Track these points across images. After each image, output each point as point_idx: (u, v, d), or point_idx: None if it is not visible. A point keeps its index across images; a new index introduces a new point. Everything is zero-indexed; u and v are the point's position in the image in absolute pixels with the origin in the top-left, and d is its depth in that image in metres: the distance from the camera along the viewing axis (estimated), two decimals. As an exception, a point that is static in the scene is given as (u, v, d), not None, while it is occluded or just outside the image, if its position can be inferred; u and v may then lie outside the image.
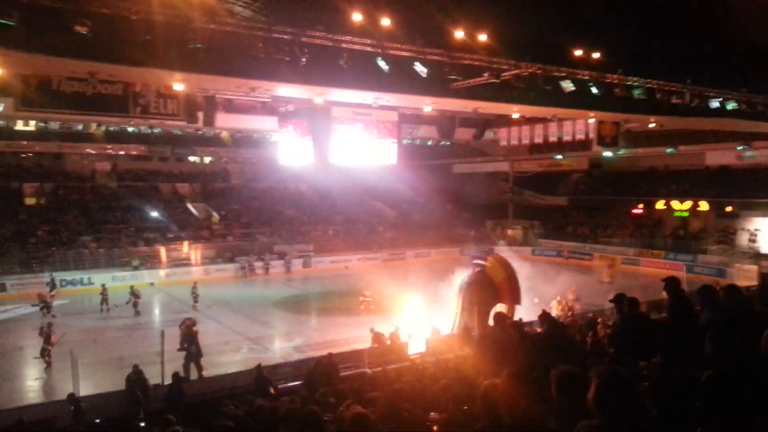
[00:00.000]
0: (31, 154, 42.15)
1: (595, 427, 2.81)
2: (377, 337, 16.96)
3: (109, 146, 41.86)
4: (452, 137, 30.51)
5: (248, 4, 23.79)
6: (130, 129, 37.75)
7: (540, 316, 7.38)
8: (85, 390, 13.85)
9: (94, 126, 36.26)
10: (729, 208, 37.78)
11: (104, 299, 25.90)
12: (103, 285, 27.50)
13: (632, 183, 45.06)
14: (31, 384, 16.83)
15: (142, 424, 7.92)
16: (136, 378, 12.70)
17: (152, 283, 32.30)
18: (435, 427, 4.93)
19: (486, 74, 19.27)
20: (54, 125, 34.68)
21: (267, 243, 39.87)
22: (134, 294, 25.20)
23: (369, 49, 17.54)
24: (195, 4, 14.92)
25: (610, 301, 7.44)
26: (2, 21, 13.19)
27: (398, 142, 24.92)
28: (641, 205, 42.52)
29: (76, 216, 37.92)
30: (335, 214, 47.08)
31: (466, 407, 4.99)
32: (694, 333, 5.22)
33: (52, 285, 28.04)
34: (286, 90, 20.83)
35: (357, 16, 16.84)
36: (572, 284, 24.52)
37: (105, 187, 42.97)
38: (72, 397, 11.39)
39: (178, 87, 19.36)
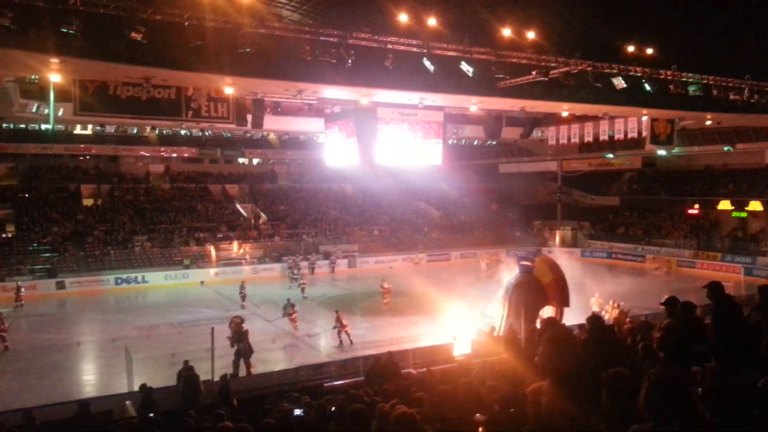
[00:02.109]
0: (88, 157, 43.88)
1: (646, 431, 2.74)
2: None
3: (162, 149, 43.22)
4: (499, 137, 30.18)
5: (296, 7, 24.16)
6: (182, 132, 38.85)
7: (588, 319, 7.21)
8: (138, 385, 14.31)
9: (147, 129, 37.45)
10: (791, 209, 36.12)
11: (17, 296, 27.32)
12: (17, 283, 28.29)
13: (687, 182, 43.59)
14: (88, 378, 17.49)
15: (193, 419, 8.12)
16: (187, 374, 13.02)
17: (202, 282, 33.14)
18: (480, 429, 4.88)
19: (534, 72, 19.00)
20: (110, 129, 35.91)
21: (312, 243, 40.34)
22: None
23: (415, 49, 17.53)
24: (244, 9, 15.24)
25: (661, 303, 7.23)
26: (63, 29, 13.79)
27: (444, 142, 24.79)
28: (697, 206, 41.05)
29: (131, 216, 39.26)
30: (380, 215, 47.24)
31: (512, 409, 4.93)
32: (743, 336, 5.03)
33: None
34: (332, 92, 21.06)
35: (403, 17, 16.87)
36: (623, 287, 23.92)
37: (158, 189, 44.34)
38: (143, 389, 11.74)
39: (228, 90, 19.83)
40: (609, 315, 18.03)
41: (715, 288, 5.92)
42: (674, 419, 2.69)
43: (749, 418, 3.12)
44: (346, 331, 20.02)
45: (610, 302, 20.18)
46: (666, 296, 7.19)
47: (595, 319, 6.72)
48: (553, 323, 8.20)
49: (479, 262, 36.53)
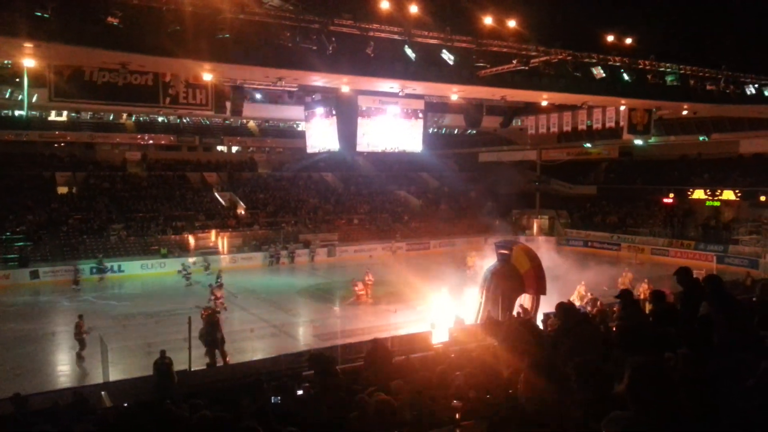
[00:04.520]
0: (63, 144, 43.06)
1: (628, 418, 2.77)
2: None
3: (139, 136, 42.60)
4: (479, 125, 30.24)
5: (275, -8, 23.84)
6: (159, 119, 38.36)
7: (557, 307, 7.32)
8: (114, 375, 14.20)
9: (124, 116, 36.94)
10: (763, 198, 36.88)
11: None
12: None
13: (663, 172, 44.24)
14: (63, 369, 17.30)
15: (171, 407, 8.05)
16: (164, 363, 12.94)
17: (180, 271, 32.81)
18: (458, 415, 4.94)
19: (514, 61, 19.03)
20: (86, 115, 35.43)
21: (292, 232, 40.18)
22: None
23: (396, 37, 17.44)
24: (223, -7, 14.99)
25: (616, 297, 7.42)
26: (36, 13, 13.46)
27: (424, 130, 24.80)
28: (672, 195, 41.76)
29: (107, 204, 38.69)
30: (360, 204, 47.21)
31: (488, 395, 4.98)
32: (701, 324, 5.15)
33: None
34: (313, 79, 20.88)
35: (384, 4, 16.73)
36: (603, 275, 24.27)
37: (135, 176, 43.72)
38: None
39: (207, 77, 19.55)
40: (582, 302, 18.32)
41: (683, 273, 6.04)
42: (655, 406, 2.72)
43: (722, 402, 3.19)
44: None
45: (582, 290, 20.52)
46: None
47: (564, 307, 6.83)
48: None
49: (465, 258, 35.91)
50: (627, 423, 2.74)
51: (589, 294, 20.03)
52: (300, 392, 7.75)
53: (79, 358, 17.49)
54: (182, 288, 28.70)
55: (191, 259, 32.53)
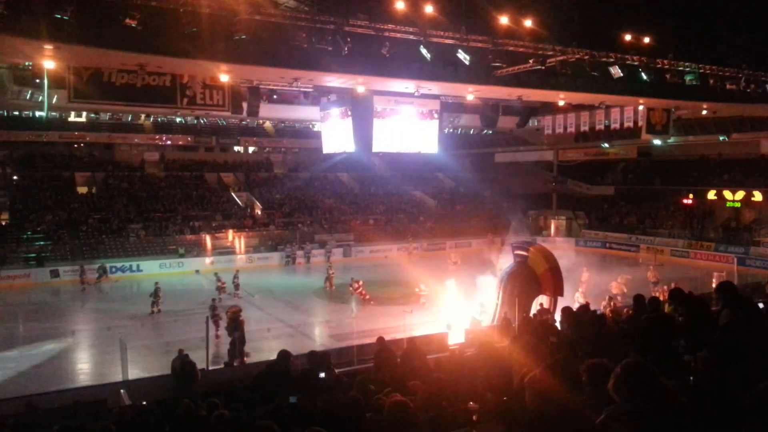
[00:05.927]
0: (82, 145, 43.62)
1: (620, 411, 2.81)
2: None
3: (157, 136, 43.00)
4: (495, 126, 30.07)
5: (291, -6, 23.93)
6: (177, 120, 38.65)
7: (562, 311, 7.27)
8: (132, 374, 14.32)
9: (142, 117, 37.26)
10: (785, 199, 36.32)
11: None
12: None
13: (682, 172, 43.68)
14: (82, 367, 17.51)
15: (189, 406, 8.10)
16: (184, 362, 13.01)
17: (197, 271, 33.08)
18: (474, 417, 4.91)
19: (531, 61, 18.92)
20: (104, 116, 35.79)
21: (308, 232, 40.30)
22: None
23: (412, 37, 17.41)
24: (239, -5, 15.08)
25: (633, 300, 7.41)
26: (56, 15, 13.64)
27: (440, 130, 24.74)
28: (691, 195, 41.21)
29: (125, 204, 39.12)
30: (376, 204, 47.22)
31: (505, 398, 4.95)
32: (715, 338, 5.07)
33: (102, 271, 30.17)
34: (328, 79, 20.93)
35: (400, 4, 16.72)
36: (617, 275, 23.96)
37: (153, 177, 44.15)
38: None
39: (224, 78, 19.68)
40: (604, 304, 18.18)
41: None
42: (645, 400, 2.74)
43: (740, 404, 3.14)
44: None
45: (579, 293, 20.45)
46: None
47: (569, 311, 6.80)
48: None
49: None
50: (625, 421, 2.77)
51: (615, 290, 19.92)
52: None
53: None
54: (200, 287, 28.92)
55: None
